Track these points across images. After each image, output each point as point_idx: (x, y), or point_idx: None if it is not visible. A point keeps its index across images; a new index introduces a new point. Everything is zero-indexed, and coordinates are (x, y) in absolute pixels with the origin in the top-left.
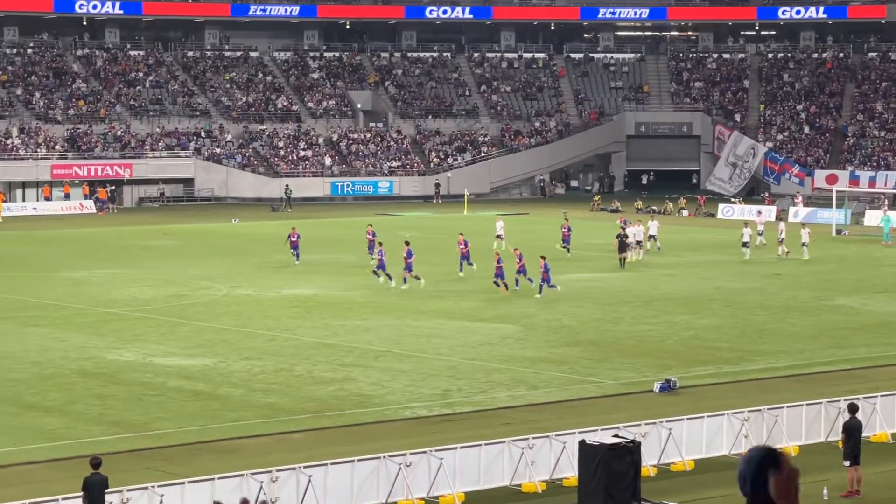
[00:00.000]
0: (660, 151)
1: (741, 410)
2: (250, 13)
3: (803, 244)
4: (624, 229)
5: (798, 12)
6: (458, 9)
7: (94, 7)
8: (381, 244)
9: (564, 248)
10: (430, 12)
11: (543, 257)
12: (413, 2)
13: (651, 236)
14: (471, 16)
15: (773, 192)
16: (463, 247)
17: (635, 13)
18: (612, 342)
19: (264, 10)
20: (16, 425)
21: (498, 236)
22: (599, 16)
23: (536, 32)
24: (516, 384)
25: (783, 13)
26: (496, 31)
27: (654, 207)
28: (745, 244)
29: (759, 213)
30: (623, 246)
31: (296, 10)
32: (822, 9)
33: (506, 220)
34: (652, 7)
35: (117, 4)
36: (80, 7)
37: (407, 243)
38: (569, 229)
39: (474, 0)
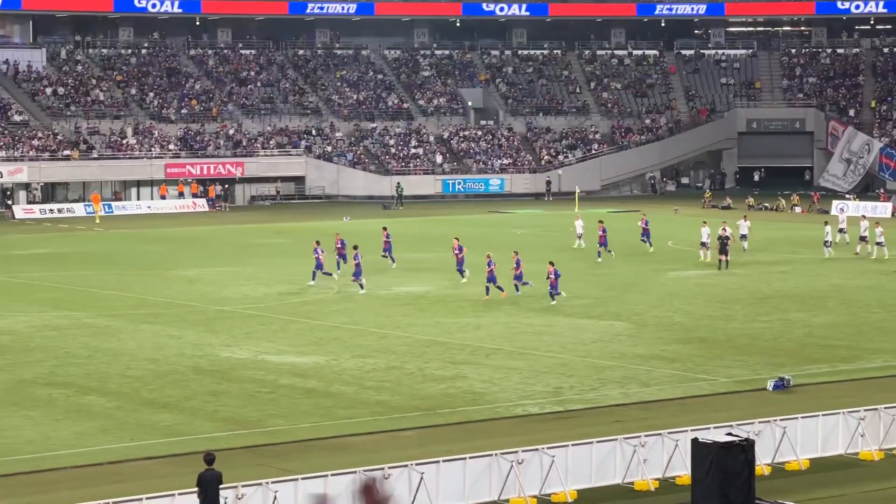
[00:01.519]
0: (771, 148)
1: (857, 409)
2: (356, 12)
3: (878, 243)
4: (725, 230)
5: None
6: (549, 6)
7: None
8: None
9: (643, 241)
10: (543, 10)
11: (552, 263)
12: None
13: (742, 236)
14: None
15: (888, 189)
16: (458, 252)
17: (747, 9)
18: (724, 340)
19: (369, 9)
20: (132, 421)
21: (578, 235)
22: (709, 12)
23: (647, 29)
24: (628, 381)
25: None
26: (606, 29)
27: (767, 204)
28: (826, 243)
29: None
30: (723, 247)
31: (404, 9)
32: None
33: (616, 217)
34: (764, 1)
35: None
36: (182, 6)
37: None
38: (646, 223)
39: None
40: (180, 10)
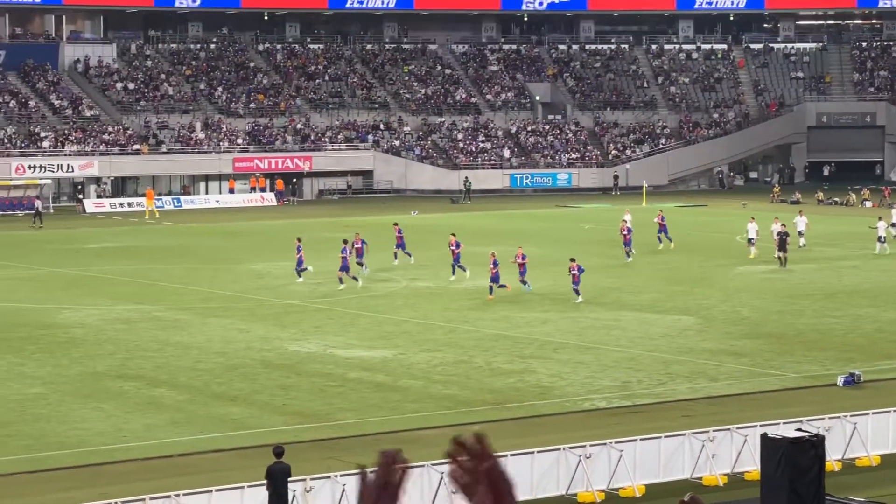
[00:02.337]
0: (842, 142)
1: None
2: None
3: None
4: (784, 226)
5: None
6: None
7: None
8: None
9: (661, 237)
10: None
11: (573, 259)
12: None
13: (799, 232)
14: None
15: None
16: (454, 248)
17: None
18: (793, 335)
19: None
20: (202, 414)
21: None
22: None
23: (715, 23)
24: (696, 376)
25: None
26: (674, 22)
27: (837, 198)
28: (880, 239)
29: None
30: (783, 244)
31: (471, 3)
32: None
33: (683, 211)
34: None
35: None
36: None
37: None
38: (662, 219)
39: None
40: (247, 7)
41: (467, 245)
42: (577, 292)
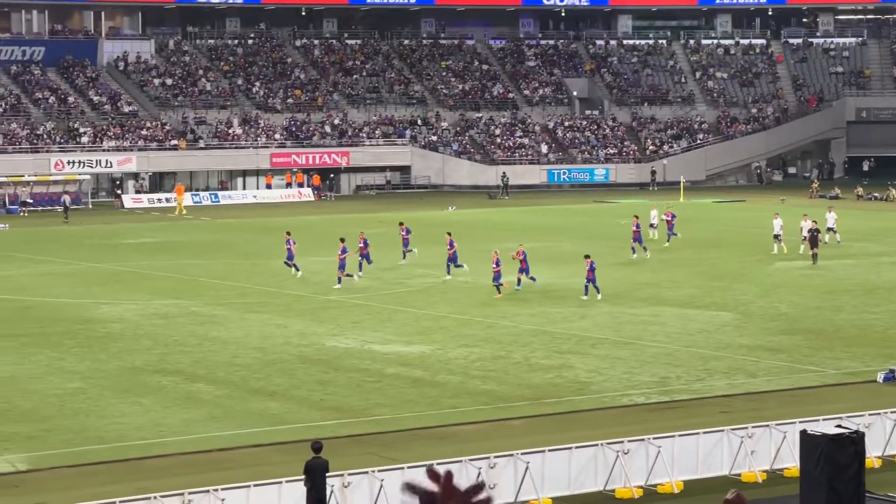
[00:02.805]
0: (882, 137)
1: None
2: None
3: (829, 228)
4: (815, 223)
5: None
6: None
7: None
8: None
9: (672, 234)
10: None
11: (587, 256)
12: None
13: (829, 228)
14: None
15: None
16: (449, 248)
17: None
18: (832, 331)
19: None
20: (240, 409)
21: (651, 225)
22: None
23: (753, 17)
24: (734, 372)
25: None
26: (712, 17)
27: (877, 194)
28: None
29: None
30: (814, 240)
31: None
32: None
33: (721, 207)
34: None
35: None
36: None
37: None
38: (673, 216)
39: None
40: (285, 2)
41: (504, 241)
42: (597, 289)
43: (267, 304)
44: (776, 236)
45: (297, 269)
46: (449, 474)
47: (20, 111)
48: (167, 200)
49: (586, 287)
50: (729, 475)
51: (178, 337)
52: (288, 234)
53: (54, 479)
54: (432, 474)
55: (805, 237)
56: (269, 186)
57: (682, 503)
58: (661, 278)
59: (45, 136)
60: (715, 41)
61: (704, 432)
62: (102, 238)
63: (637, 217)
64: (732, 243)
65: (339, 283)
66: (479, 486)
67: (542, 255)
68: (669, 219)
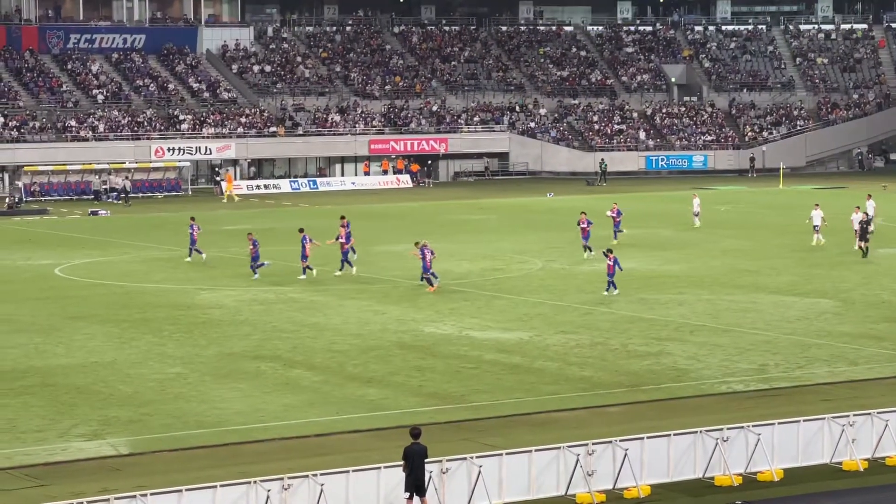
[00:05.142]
0: None
1: None
2: None
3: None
4: (867, 215)
5: None
6: None
7: None
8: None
9: (618, 231)
10: None
11: (610, 251)
12: None
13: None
14: None
15: None
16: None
17: None
18: None
19: None
20: (338, 395)
21: (695, 213)
22: None
23: (854, 2)
24: (835, 360)
25: None
26: (812, 2)
27: None
28: None
29: None
30: (864, 233)
31: None
32: None
33: (822, 193)
34: None
35: None
36: None
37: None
38: (619, 213)
39: None
40: None
41: (606, 228)
42: (614, 285)
43: (364, 291)
44: (815, 227)
45: (189, 255)
46: None
47: (121, 98)
48: (266, 187)
49: (609, 283)
50: (830, 463)
51: (277, 323)
52: (192, 219)
53: (155, 462)
54: None
55: (856, 230)
56: (366, 174)
57: (782, 491)
58: (759, 265)
59: (145, 124)
60: (815, 26)
61: (805, 420)
62: (201, 224)
63: (584, 213)
64: (832, 230)
65: (305, 274)
66: None
67: (641, 242)
68: (615, 215)
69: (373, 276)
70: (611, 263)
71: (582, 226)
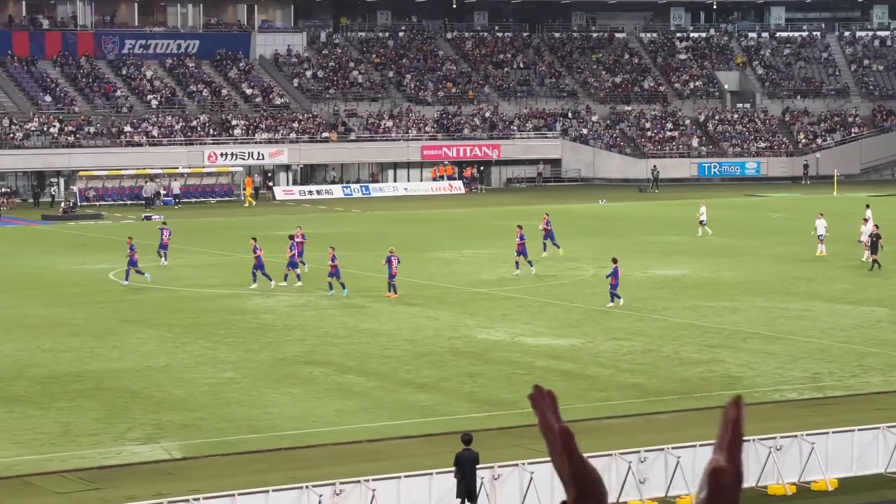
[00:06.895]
0: None
1: None
2: None
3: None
4: (877, 227)
5: None
6: None
7: None
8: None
9: (546, 243)
10: None
11: (615, 260)
12: None
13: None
14: None
15: None
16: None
17: None
18: None
19: None
20: (391, 400)
21: (701, 222)
22: None
23: None
24: (890, 369)
25: None
26: (868, 8)
27: None
28: None
29: None
30: (874, 246)
31: None
32: None
33: (878, 201)
34: None
35: None
36: None
37: (520, 227)
38: (548, 223)
39: None
40: None
41: (658, 234)
42: (618, 296)
43: (417, 297)
44: (820, 237)
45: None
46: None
47: (175, 104)
48: (318, 192)
49: (611, 294)
50: (885, 473)
51: (329, 328)
52: (254, 239)
53: (208, 466)
54: None
55: (865, 242)
56: (434, 178)
57: (836, 501)
58: (814, 273)
59: (198, 129)
60: (871, 33)
61: (859, 429)
62: (255, 230)
63: (520, 227)
64: (888, 239)
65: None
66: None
67: (693, 249)
68: (546, 226)
69: (425, 281)
70: (611, 275)
71: (517, 240)
